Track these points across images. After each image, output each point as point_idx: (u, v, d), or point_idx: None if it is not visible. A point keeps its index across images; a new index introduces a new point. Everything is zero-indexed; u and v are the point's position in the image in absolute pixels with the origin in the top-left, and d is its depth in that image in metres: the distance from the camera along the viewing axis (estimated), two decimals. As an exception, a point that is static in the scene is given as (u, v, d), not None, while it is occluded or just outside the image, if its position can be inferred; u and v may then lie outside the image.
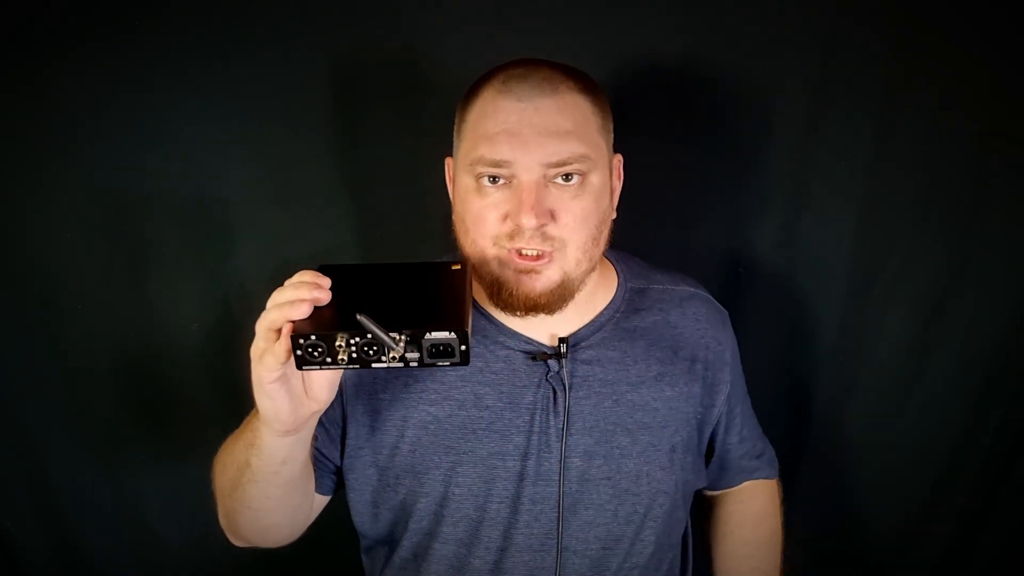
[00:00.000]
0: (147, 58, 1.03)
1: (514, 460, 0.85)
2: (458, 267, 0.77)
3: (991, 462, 1.20)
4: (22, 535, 1.22)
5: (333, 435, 0.88)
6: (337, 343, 0.63)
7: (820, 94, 1.07)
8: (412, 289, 0.74)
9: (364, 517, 0.91)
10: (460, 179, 0.83)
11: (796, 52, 1.06)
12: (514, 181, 0.78)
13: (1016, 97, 1.04)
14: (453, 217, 0.86)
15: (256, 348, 0.66)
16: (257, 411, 0.71)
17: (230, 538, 0.89)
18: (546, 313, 0.82)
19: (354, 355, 0.64)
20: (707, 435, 0.96)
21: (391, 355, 0.64)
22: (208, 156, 1.09)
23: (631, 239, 0.93)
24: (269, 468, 0.76)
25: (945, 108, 1.06)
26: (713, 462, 1.00)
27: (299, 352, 0.63)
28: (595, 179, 0.80)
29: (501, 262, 0.80)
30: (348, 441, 0.88)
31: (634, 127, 0.99)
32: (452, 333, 0.63)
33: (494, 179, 0.79)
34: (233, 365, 1.21)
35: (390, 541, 0.92)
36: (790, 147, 1.11)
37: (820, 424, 1.25)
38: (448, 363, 0.65)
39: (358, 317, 0.62)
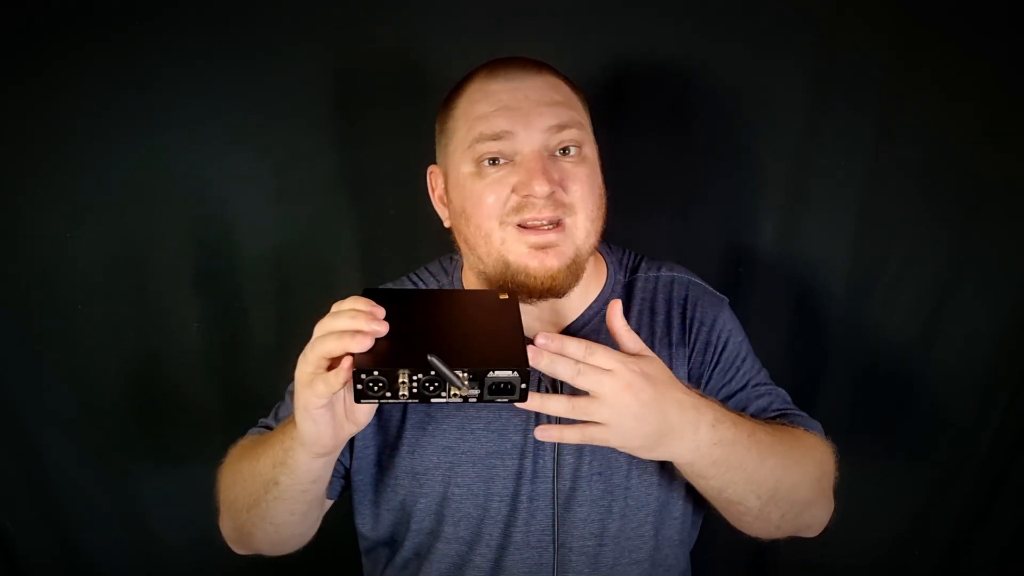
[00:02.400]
0: (147, 58, 1.03)
1: (512, 459, 0.85)
2: (506, 296, 0.75)
3: (991, 462, 1.20)
4: (22, 535, 1.22)
5: None
6: (400, 379, 0.62)
7: (820, 94, 1.07)
8: (465, 320, 0.72)
9: (367, 518, 0.91)
10: (456, 171, 0.82)
11: (796, 52, 1.06)
12: (516, 158, 0.79)
13: (1016, 96, 1.04)
14: (449, 224, 0.86)
15: (304, 373, 0.64)
16: (284, 429, 0.71)
17: (235, 548, 0.89)
18: (559, 296, 0.82)
19: (415, 390, 0.62)
20: (719, 399, 0.87)
21: (452, 392, 0.63)
22: (208, 156, 1.09)
23: (631, 237, 0.93)
24: (299, 487, 0.75)
25: (945, 108, 1.06)
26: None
27: (359, 387, 0.62)
28: (589, 152, 0.83)
29: (511, 242, 0.79)
30: (356, 441, 0.87)
31: (634, 127, 1.00)
32: (515, 372, 0.62)
33: (494, 161, 0.79)
34: (233, 365, 1.22)
35: (392, 542, 0.92)
36: (790, 146, 1.11)
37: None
38: (506, 399, 0.63)
39: (429, 357, 0.61)
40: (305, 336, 0.94)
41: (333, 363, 0.63)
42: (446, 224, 0.89)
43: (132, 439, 1.22)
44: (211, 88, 1.05)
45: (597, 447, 0.86)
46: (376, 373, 0.61)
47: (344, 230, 1.16)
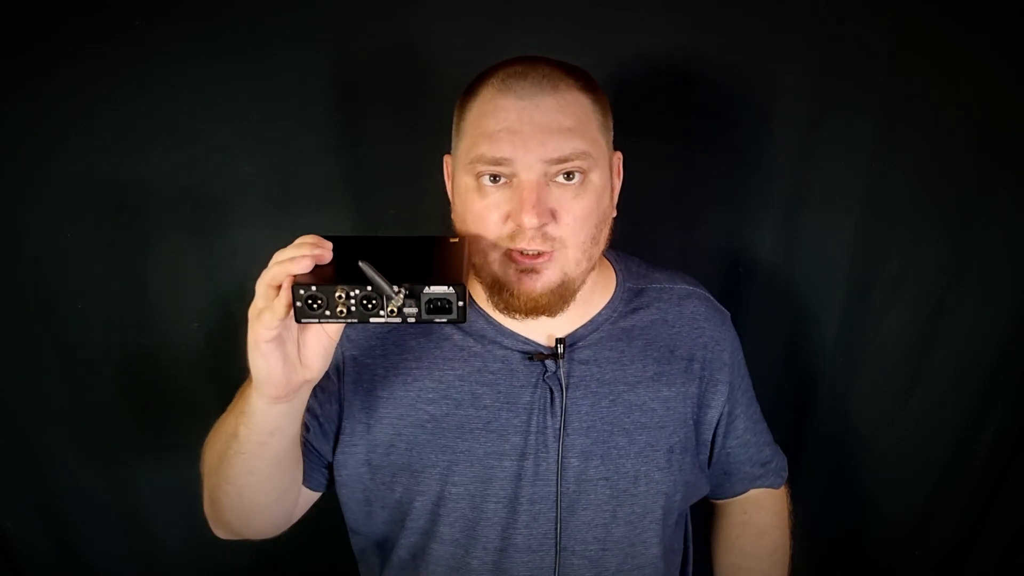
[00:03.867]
0: (147, 57, 1.03)
1: (511, 460, 0.85)
2: (456, 240, 0.78)
3: (991, 462, 1.20)
4: (22, 535, 1.22)
5: (327, 430, 0.88)
6: (337, 294, 0.64)
7: (820, 94, 1.07)
8: (411, 254, 0.75)
9: (356, 515, 0.91)
10: (460, 178, 0.82)
11: (796, 52, 1.06)
12: (514, 180, 0.77)
13: (1016, 96, 1.04)
14: (452, 216, 0.86)
15: (255, 307, 0.66)
16: (250, 380, 0.71)
17: (213, 527, 0.88)
18: (547, 315, 0.82)
19: (353, 308, 0.65)
20: (707, 437, 0.95)
21: (389, 308, 0.65)
22: (208, 155, 1.09)
23: (631, 239, 0.93)
24: (257, 438, 0.74)
25: (945, 108, 1.06)
26: (715, 467, 0.98)
27: (298, 304, 0.64)
28: (596, 177, 0.80)
29: (502, 262, 0.80)
30: (342, 437, 0.87)
31: (634, 127, 0.99)
32: (450, 288, 0.65)
33: (494, 178, 0.78)
34: (233, 365, 1.22)
35: (386, 541, 0.92)
36: (790, 147, 1.11)
37: (820, 424, 1.25)
38: (445, 319, 0.66)
39: (360, 263, 0.64)
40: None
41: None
42: (452, 215, 0.89)
43: (132, 439, 1.22)
44: (211, 88, 1.05)
45: (602, 452, 0.86)
46: (314, 289, 0.64)
47: (344, 230, 1.16)
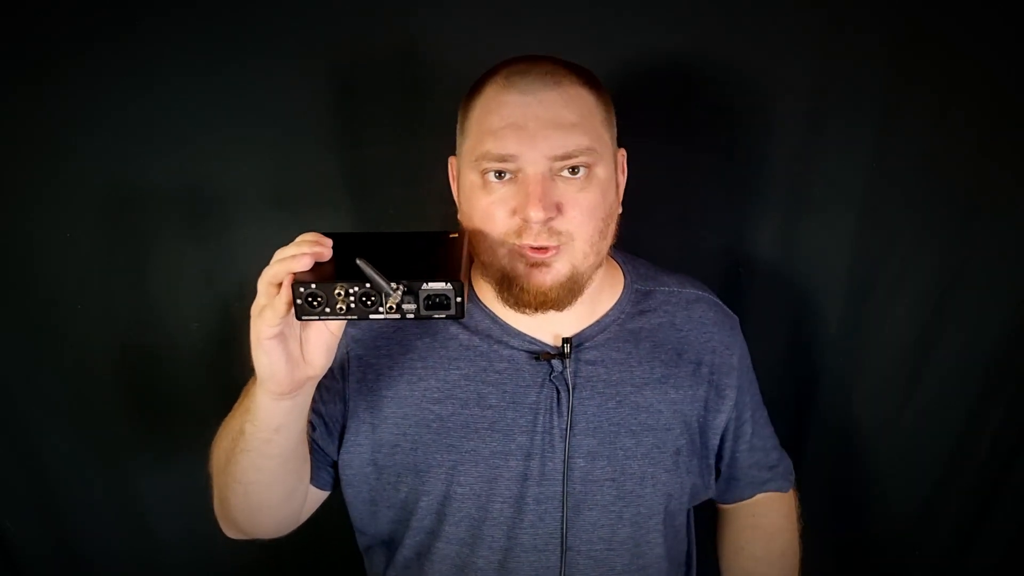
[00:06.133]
0: (147, 58, 1.03)
1: (517, 460, 0.85)
2: (455, 235, 0.78)
3: (991, 462, 1.20)
4: (22, 535, 1.22)
5: (332, 429, 0.88)
6: (336, 291, 0.65)
7: (820, 94, 1.07)
8: (410, 250, 0.76)
9: (362, 514, 0.91)
10: (465, 176, 0.82)
11: (796, 52, 1.06)
12: (520, 175, 0.78)
13: (1016, 97, 1.04)
14: (459, 216, 0.86)
15: (256, 304, 0.67)
16: (255, 378, 0.71)
17: (223, 527, 0.88)
18: (555, 309, 0.82)
19: (352, 305, 0.65)
20: (714, 442, 0.94)
21: (388, 304, 0.65)
22: (208, 156, 1.09)
23: (632, 239, 0.93)
24: (262, 435, 0.75)
25: (945, 108, 1.06)
26: (723, 472, 0.99)
27: (299, 301, 0.65)
28: (601, 172, 0.80)
29: (511, 257, 0.80)
30: (347, 436, 0.87)
31: (634, 127, 0.99)
32: (448, 284, 0.65)
33: (500, 174, 0.79)
34: (233, 365, 1.22)
35: (391, 540, 0.92)
36: (790, 147, 1.11)
37: (820, 424, 1.25)
38: (444, 315, 0.66)
39: (357, 261, 0.64)
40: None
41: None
42: (459, 216, 0.89)
43: (132, 439, 1.22)
44: (210, 88, 1.05)
45: (608, 453, 0.86)
46: (314, 287, 0.65)
47: (344, 230, 1.15)
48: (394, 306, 0.65)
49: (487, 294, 0.86)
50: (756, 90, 1.09)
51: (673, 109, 1.11)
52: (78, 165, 1.07)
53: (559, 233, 0.78)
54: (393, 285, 0.65)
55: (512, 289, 0.81)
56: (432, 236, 0.80)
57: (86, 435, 1.20)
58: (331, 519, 0.93)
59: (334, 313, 0.66)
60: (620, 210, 0.87)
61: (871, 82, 1.06)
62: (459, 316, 0.66)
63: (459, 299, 0.66)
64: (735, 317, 0.98)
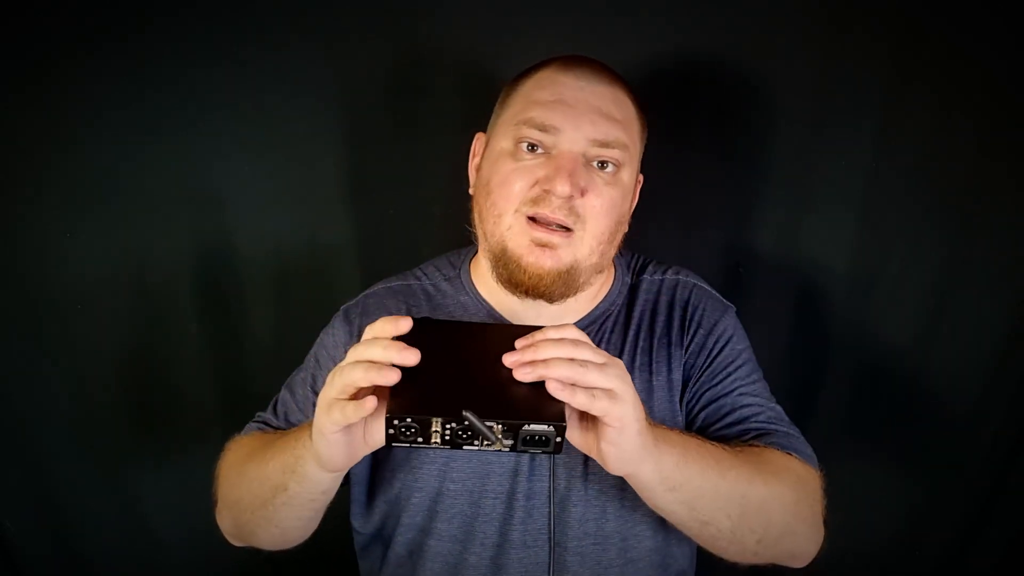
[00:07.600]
0: (148, 58, 1.03)
1: (508, 455, 0.85)
2: None
3: (991, 462, 1.20)
4: (22, 535, 1.22)
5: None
6: (433, 428, 0.61)
7: (821, 94, 1.07)
8: (500, 363, 0.66)
9: (361, 508, 0.91)
10: (495, 144, 0.84)
11: (797, 53, 1.06)
12: (554, 151, 0.79)
13: (1015, 97, 1.04)
14: (472, 190, 0.87)
15: (326, 396, 0.64)
16: (298, 436, 0.71)
17: (232, 541, 0.89)
18: (546, 300, 0.82)
19: (447, 437, 0.62)
20: (702, 401, 0.87)
21: (484, 443, 0.62)
22: (208, 156, 1.09)
23: (631, 236, 0.93)
24: (308, 496, 0.75)
25: (945, 109, 1.06)
26: (710, 414, 0.88)
27: (391, 431, 0.61)
28: (625, 176, 0.83)
29: (517, 231, 0.80)
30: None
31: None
32: (551, 427, 0.62)
33: (533, 148, 0.80)
34: (232, 365, 1.22)
35: (383, 537, 0.92)
36: (791, 147, 1.11)
37: (820, 424, 1.25)
38: (540, 451, 0.63)
39: (464, 413, 0.60)
40: (304, 336, 0.95)
41: (360, 391, 0.63)
42: (470, 190, 0.89)
43: (132, 439, 1.22)
44: (211, 89, 1.05)
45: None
46: (409, 420, 0.61)
47: (344, 230, 1.16)
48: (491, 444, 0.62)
49: (484, 282, 0.87)
50: (756, 90, 1.09)
51: (674, 109, 1.11)
52: (78, 166, 1.07)
53: (576, 215, 0.79)
54: (492, 425, 0.61)
55: (509, 266, 0.81)
56: (518, 334, 0.69)
57: (86, 435, 1.20)
58: (330, 520, 0.93)
59: (427, 443, 0.62)
60: (627, 228, 0.88)
61: (871, 82, 1.06)
62: (557, 453, 0.63)
63: (559, 439, 0.62)
64: (730, 305, 0.94)
